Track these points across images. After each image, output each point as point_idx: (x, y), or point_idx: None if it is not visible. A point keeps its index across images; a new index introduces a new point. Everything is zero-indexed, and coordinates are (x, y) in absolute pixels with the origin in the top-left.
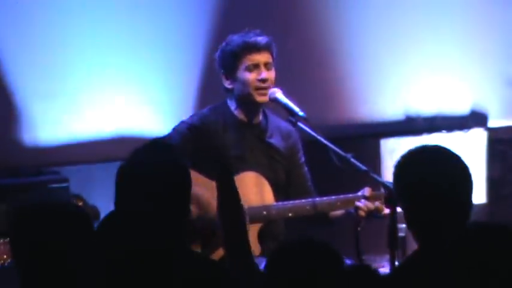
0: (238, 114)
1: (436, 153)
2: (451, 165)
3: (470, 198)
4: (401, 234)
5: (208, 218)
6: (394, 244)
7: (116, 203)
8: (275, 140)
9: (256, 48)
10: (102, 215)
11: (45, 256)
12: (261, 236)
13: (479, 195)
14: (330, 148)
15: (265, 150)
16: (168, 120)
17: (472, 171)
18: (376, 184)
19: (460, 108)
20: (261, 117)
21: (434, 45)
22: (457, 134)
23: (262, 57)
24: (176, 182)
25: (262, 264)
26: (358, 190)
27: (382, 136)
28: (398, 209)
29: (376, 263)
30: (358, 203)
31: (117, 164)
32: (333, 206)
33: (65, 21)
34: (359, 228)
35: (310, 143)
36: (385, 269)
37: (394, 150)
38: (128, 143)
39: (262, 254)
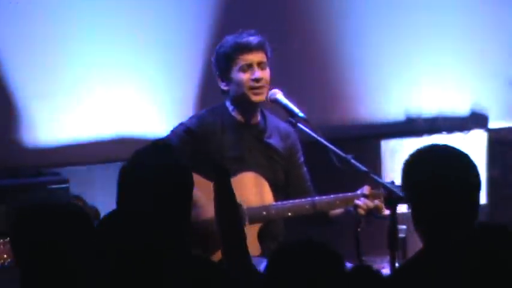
0: (236, 115)
1: (445, 152)
2: (460, 165)
3: (478, 198)
4: (401, 235)
5: (204, 220)
6: (394, 245)
7: (118, 204)
8: (274, 140)
9: (248, 48)
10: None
11: (45, 256)
12: (261, 236)
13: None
14: (330, 149)
15: (264, 150)
16: (168, 121)
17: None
18: (377, 185)
19: (461, 109)
20: (259, 117)
21: (434, 47)
22: (458, 135)
23: (255, 57)
24: (178, 183)
25: (262, 264)
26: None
27: (383, 137)
28: (398, 210)
29: (377, 264)
30: (357, 202)
31: (117, 164)
32: (332, 205)
33: (65, 21)
34: (359, 229)
35: (310, 144)
36: (385, 270)
37: (394, 151)
38: (127, 144)
39: (262, 254)
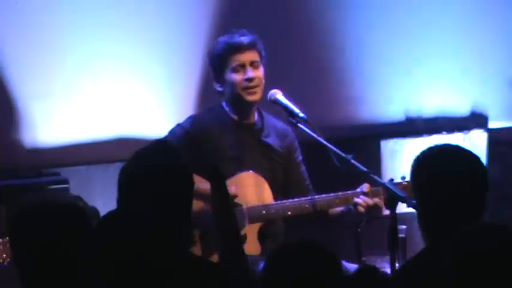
0: (233, 115)
1: (455, 153)
2: (470, 166)
3: (485, 200)
4: (401, 235)
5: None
6: (394, 246)
7: (118, 204)
8: (272, 140)
9: (239, 48)
10: None
11: (45, 256)
12: (261, 236)
13: None
14: (330, 149)
15: (262, 150)
16: (169, 121)
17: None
18: (376, 184)
19: (461, 109)
20: (256, 117)
21: (435, 47)
22: (457, 135)
23: (247, 57)
24: (178, 184)
25: (262, 263)
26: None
27: (383, 137)
28: (398, 210)
29: (377, 265)
30: (356, 199)
31: (117, 165)
32: (332, 204)
33: (65, 22)
34: (359, 229)
35: (310, 144)
36: (385, 271)
37: (394, 151)
38: (127, 144)
39: (262, 254)
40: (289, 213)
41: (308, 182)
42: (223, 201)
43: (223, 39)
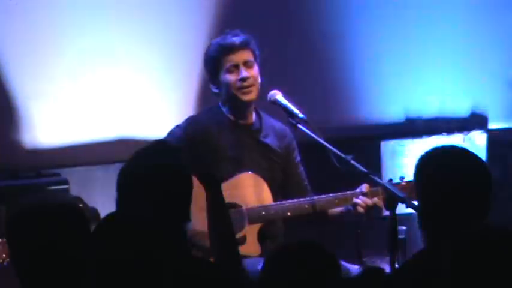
0: (230, 116)
1: (459, 154)
2: (474, 168)
3: (488, 202)
4: (401, 236)
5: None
6: (394, 246)
7: (118, 205)
8: (270, 140)
9: (232, 49)
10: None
11: (44, 256)
12: (261, 236)
13: None
14: (330, 150)
15: (261, 150)
16: (169, 122)
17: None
18: (376, 185)
19: (460, 110)
20: (254, 117)
21: (434, 47)
22: (457, 136)
23: (240, 57)
24: (177, 184)
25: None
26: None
27: (383, 138)
28: (398, 211)
29: (376, 265)
30: (356, 200)
31: (117, 166)
32: (331, 204)
33: (65, 23)
34: (359, 230)
35: (310, 145)
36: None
37: (394, 151)
38: (127, 144)
39: (262, 254)
40: (289, 213)
41: (306, 183)
42: (218, 204)
43: (216, 40)
